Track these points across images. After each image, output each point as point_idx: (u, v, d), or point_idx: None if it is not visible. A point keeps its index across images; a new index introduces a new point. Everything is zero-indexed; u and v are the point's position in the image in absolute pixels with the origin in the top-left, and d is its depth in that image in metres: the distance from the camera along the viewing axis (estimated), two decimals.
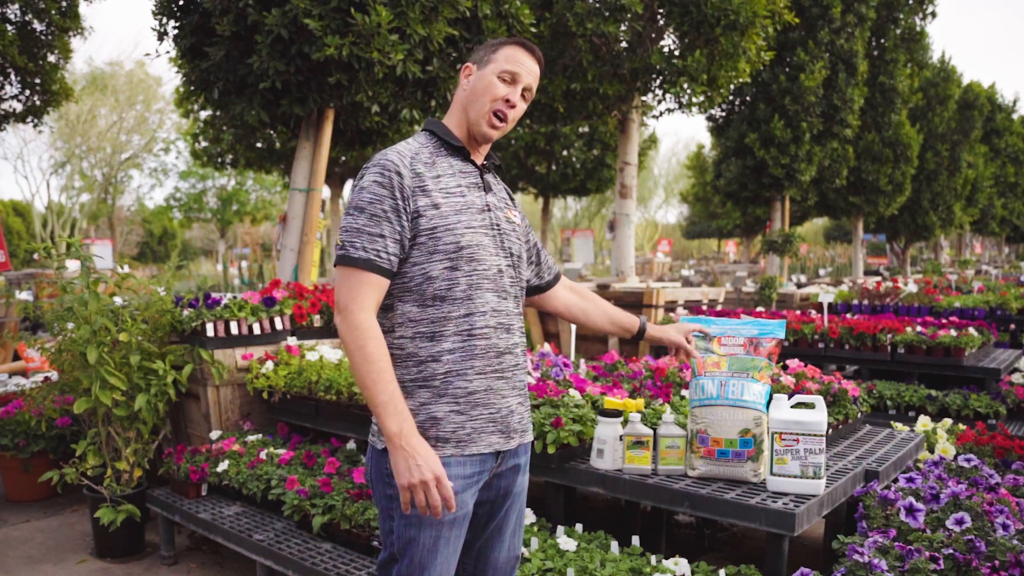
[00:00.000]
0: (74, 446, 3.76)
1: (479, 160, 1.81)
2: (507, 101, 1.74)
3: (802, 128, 10.92)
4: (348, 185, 18.05)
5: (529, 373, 3.39)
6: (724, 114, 12.36)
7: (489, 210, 1.75)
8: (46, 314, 3.89)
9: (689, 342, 2.26)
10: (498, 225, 1.76)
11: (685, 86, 7.48)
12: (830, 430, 2.99)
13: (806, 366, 3.55)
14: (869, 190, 13.79)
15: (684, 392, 3.37)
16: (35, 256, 3.71)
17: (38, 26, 7.45)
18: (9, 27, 7.22)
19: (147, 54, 5.45)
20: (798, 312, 6.77)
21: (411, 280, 1.68)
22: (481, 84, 1.74)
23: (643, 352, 6.56)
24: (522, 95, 1.77)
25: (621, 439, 2.58)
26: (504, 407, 1.74)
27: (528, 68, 1.76)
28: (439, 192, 1.68)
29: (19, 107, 7.82)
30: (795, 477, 2.29)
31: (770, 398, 2.36)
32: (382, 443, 1.68)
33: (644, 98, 8.23)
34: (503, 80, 1.74)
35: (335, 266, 1.67)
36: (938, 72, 15.91)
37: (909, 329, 5.25)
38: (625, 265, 8.50)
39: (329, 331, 4.37)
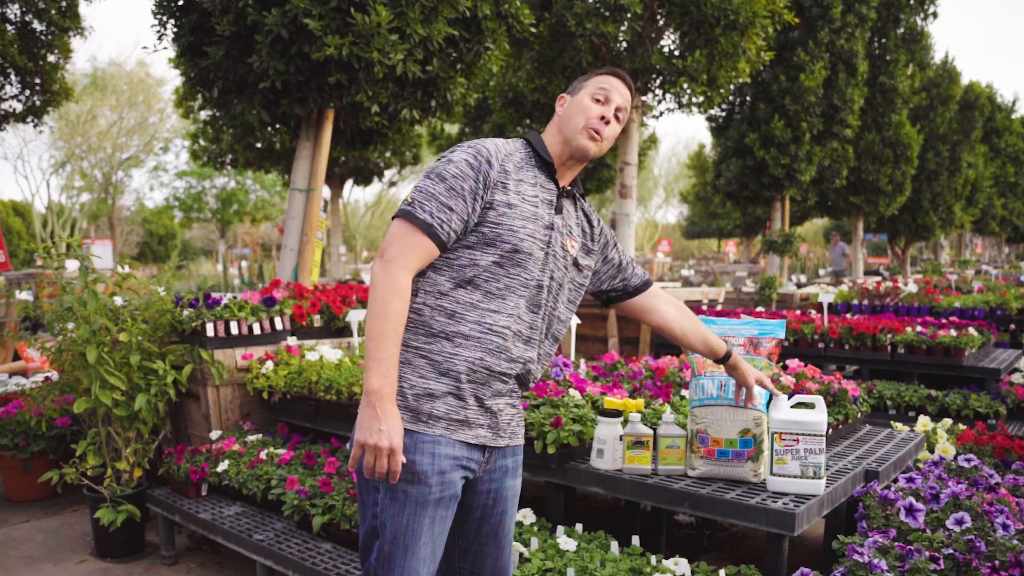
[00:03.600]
0: (74, 446, 3.76)
1: (563, 183, 1.86)
2: (602, 118, 1.80)
3: (802, 128, 10.92)
4: (348, 185, 18.05)
5: None
6: (724, 114, 12.36)
7: (552, 229, 1.78)
8: (46, 314, 3.89)
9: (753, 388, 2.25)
10: (552, 246, 1.79)
11: (685, 86, 7.48)
12: (830, 430, 2.99)
13: (806, 366, 3.54)
14: (869, 190, 13.78)
15: (684, 392, 3.37)
16: (35, 256, 3.71)
17: (38, 26, 7.45)
18: (9, 27, 7.21)
19: (144, 47, 5.46)
20: (798, 312, 6.77)
21: (456, 259, 1.71)
22: (575, 107, 1.82)
23: (643, 352, 6.56)
24: (615, 115, 1.83)
25: (621, 439, 2.58)
26: (495, 406, 1.76)
27: (619, 90, 1.83)
28: (516, 194, 1.73)
29: (19, 107, 7.82)
30: (795, 477, 2.29)
31: (770, 398, 2.36)
32: None
33: (644, 98, 8.23)
34: (596, 100, 1.81)
35: (394, 218, 1.69)
36: (940, 72, 15.90)
37: (909, 329, 5.25)
38: None
39: (329, 331, 4.37)
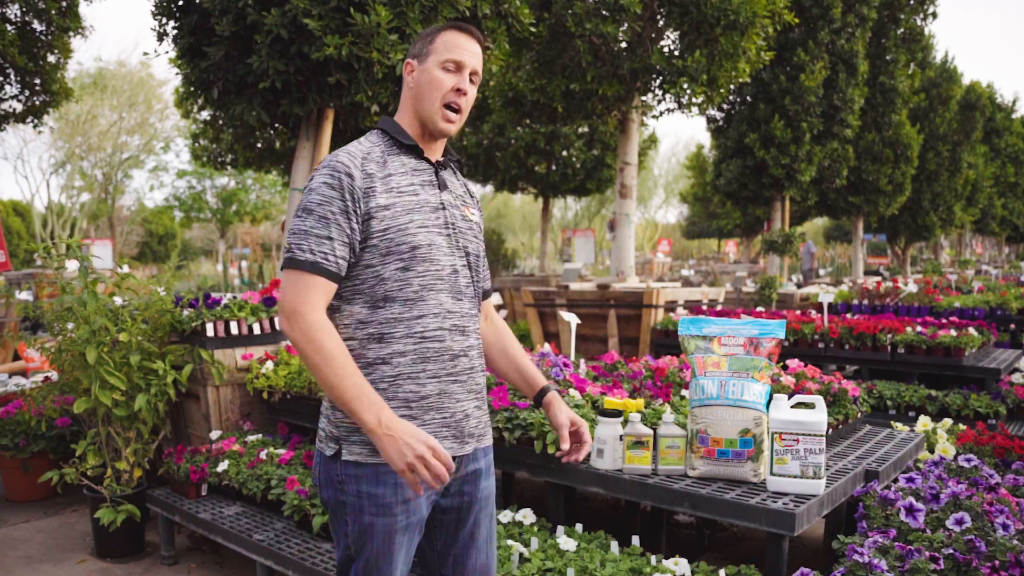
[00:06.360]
0: (74, 446, 3.76)
1: (434, 157, 1.76)
2: (457, 91, 1.68)
3: (802, 128, 10.93)
4: None
5: None
6: (724, 114, 12.37)
7: (444, 208, 1.71)
8: (46, 314, 3.89)
9: (571, 437, 1.89)
10: (453, 224, 1.72)
11: (685, 86, 7.48)
12: (830, 430, 2.99)
13: (806, 366, 3.54)
14: (869, 190, 13.79)
15: (684, 392, 3.37)
16: (35, 256, 3.72)
17: (38, 26, 7.44)
18: (9, 27, 7.21)
19: (145, 53, 5.45)
20: (798, 312, 6.77)
21: (362, 283, 1.64)
22: (426, 79, 1.69)
23: (643, 352, 6.56)
24: (470, 79, 1.71)
25: (621, 439, 2.58)
26: (459, 411, 1.70)
27: (471, 51, 1.70)
28: (390, 192, 1.64)
29: (19, 107, 7.81)
30: (795, 477, 2.29)
31: (770, 398, 2.36)
32: (331, 449, 1.66)
33: (644, 98, 8.23)
34: (447, 70, 1.68)
35: (282, 270, 1.62)
36: (940, 72, 15.91)
37: (909, 329, 5.25)
38: (625, 265, 8.50)
39: None
